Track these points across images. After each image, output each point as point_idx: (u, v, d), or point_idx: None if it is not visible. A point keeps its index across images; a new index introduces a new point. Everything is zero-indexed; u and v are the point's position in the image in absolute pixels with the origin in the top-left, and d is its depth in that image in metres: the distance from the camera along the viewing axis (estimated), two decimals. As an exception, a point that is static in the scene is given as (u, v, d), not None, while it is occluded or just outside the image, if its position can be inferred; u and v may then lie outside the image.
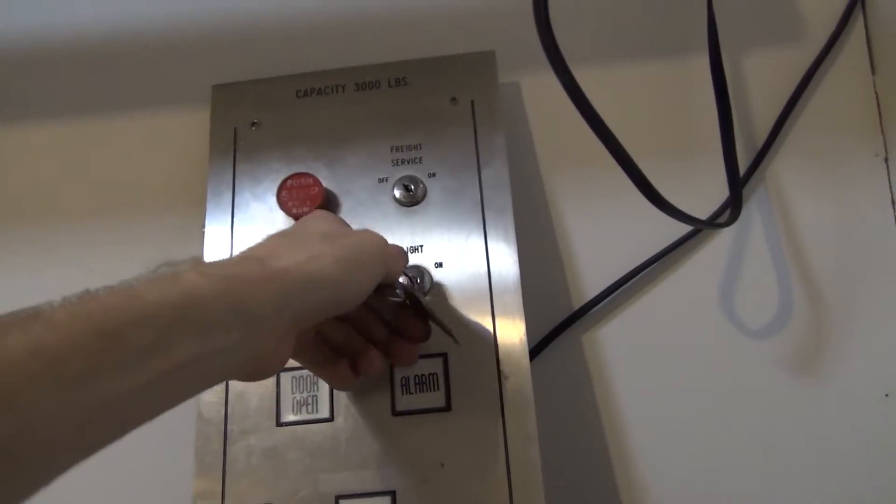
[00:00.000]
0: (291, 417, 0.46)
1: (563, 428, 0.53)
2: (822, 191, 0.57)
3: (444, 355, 0.46)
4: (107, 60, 0.64)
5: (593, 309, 0.55)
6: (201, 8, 0.64)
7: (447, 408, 0.45)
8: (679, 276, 0.56)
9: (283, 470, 0.45)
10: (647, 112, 0.59)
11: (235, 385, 0.47)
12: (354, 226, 0.43)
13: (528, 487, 0.43)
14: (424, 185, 0.51)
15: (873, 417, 0.53)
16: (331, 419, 0.46)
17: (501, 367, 0.46)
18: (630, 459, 0.53)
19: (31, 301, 0.59)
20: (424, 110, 0.53)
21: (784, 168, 0.58)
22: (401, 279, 0.44)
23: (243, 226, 0.52)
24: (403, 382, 0.46)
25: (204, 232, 0.52)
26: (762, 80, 0.59)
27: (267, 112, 0.55)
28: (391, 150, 0.52)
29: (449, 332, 0.44)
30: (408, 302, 0.43)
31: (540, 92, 0.60)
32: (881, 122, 0.58)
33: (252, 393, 0.47)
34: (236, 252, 0.51)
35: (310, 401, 0.47)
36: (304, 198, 0.50)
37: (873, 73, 0.59)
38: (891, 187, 0.56)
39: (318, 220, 0.41)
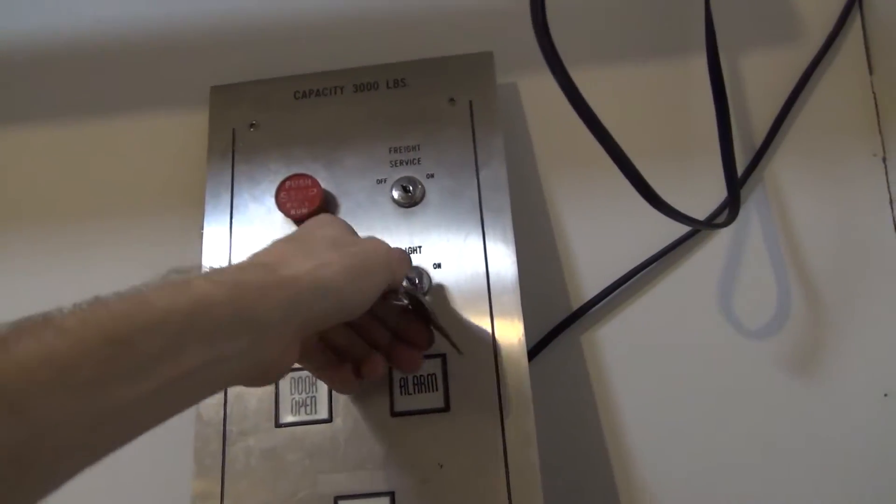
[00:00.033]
0: (290, 418, 0.46)
1: (562, 428, 0.53)
2: (820, 191, 0.57)
3: (443, 356, 0.46)
4: (105, 62, 0.64)
5: (592, 309, 0.55)
6: (199, 9, 0.64)
7: (446, 408, 0.45)
8: (677, 277, 0.56)
9: (283, 471, 0.45)
10: (645, 112, 0.60)
11: (234, 386, 0.47)
12: (353, 227, 0.43)
13: (526, 488, 0.43)
14: (423, 185, 0.51)
15: (872, 417, 0.53)
16: (329, 420, 0.46)
17: (500, 368, 0.46)
18: (629, 459, 0.53)
19: (30, 302, 0.59)
20: (423, 111, 0.53)
21: (782, 168, 0.58)
22: (403, 283, 0.44)
23: (242, 227, 0.52)
24: (402, 383, 0.46)
25: (203, 233, 0.52)
26: (760, 80, 0.60)
27: (265, 113, 0.55)
28: (389, 151, 0.52)
29: (451, 342, 0.44)
30: (410, 307, 0.44)
31: (538, 93, 0.60)
32: (879, 122, 0.58)
33: (251, 394, 0.47)
34: (235, 253, 0.51)
35: (308, 402, 0.47)
36: (302, 199, 0.50)
37: (871, 73, 0.59)
38: (888, 187, 0.57)
39: (326, 225, 0.41)
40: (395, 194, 0.51)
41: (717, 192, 0.56)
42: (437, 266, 0.49)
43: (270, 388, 0.47)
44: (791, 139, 0.58)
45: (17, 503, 0.23)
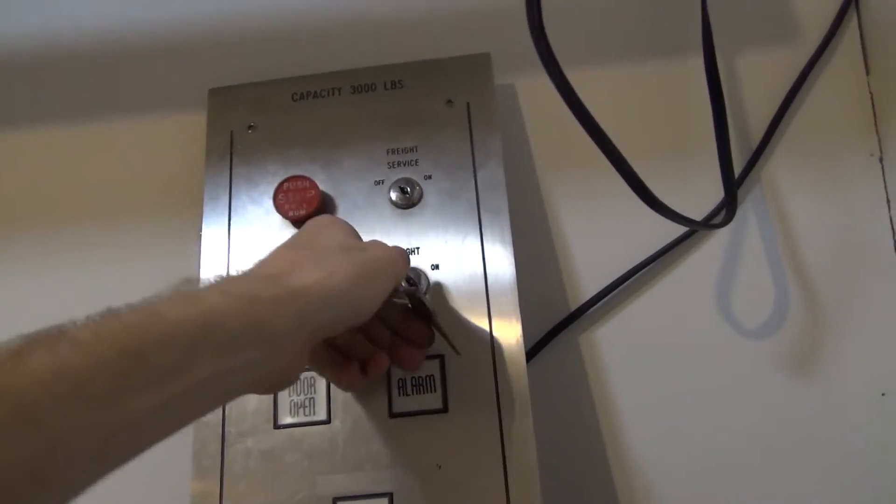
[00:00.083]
0: (289, 420, 0.46)
1: (561, 428, 0.53)
2: (818, 191, 0.57)
3: (441, 357, 0.46)
4: (103, 64, 0.64)
5: (590, 310, 0.55)
6: (197, 12, 0.64)
7: (444, 409, 0.46)
8: (675, 277, 0.56)
9: (281, 472, 0.45)
10: (642, 113, 0.60)
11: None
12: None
13: (525, 488, 0.43)
14: (420, 187, 0.51)
15: (870, 417, 0.53)
16: (328, 421, 0.46)
17: (498, 369, 0.46)
18: (627, 460, 0.53)
19: (29, 303, 0.59)
20: (420, 113, 0.53)
21: (779, 168, 0.58)
22: (403, 283, 0.44)
23: (240, 228, 0.52)
24: (400, 384, 0.46)
25: (201, 234, 0.52)
26: (757, 80, 0.60)
27: (263, 115, 0.55)
28: (387, 152, 0.52)
29: (449, 342, 0.45)
30: (410, 305, 0.44)
31: (535, 94, 0.60)
32: (876, 122, 0.58)
33: (250, 396, 0.47)
34: (234, 254, 0.51)
35: (307, 403, 0.47)
36: (300, 200, 0.50)
37: (868, 73, 0.59)
38: (886, 187, 0.57)
39: (333, 229, 0.41)
40: (393, 196, 0.51)
41: (714, 193, 0.56)
42: (435, 267, 0.49)
43: (269, 390, 0.47)
44: (788, 140, 0.58)
45: None
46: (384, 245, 0.42)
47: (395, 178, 0.52)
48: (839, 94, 0.59)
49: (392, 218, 0.51)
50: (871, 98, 0.58)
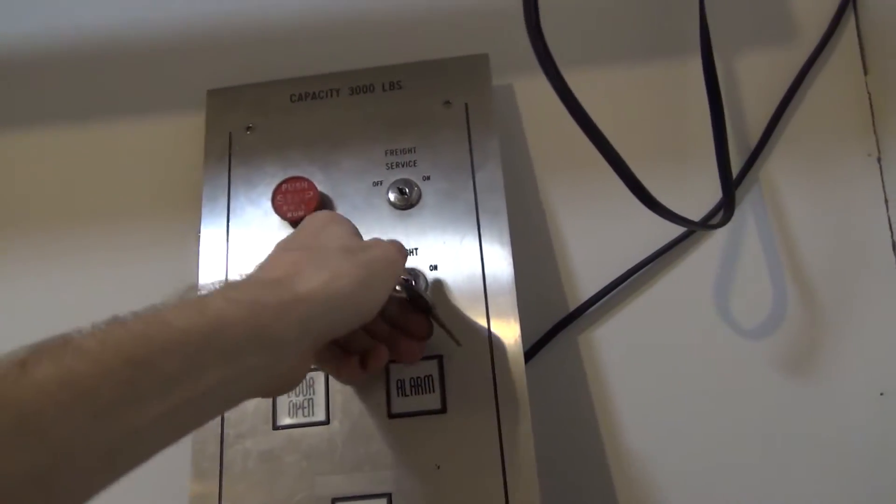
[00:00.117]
0: (288, 421, 0.47)
1: (559, 429, 0.53)
2: (816, 191, 0.57)
3: (440, 357, 0.47)
4: (101, 66, 0.64)
5: (588, 310, 0.56)
6: (195, 13, 0.64)
7: (443, 410, 0.46)
8: (673, 278, 0.56)
9: (280, 473, 0.45)
10: (640, 114, 0.60)
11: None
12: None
13: (524, 488, 0.43)
14: (419, 188, 0.51)
15: (868, 416, 0.53)
16: (327, 422, 0.46)
17: (496, 369, 0.46)
18: (626, 460, 0.53)
19: (28, 304, 0.59)
20: (418, 114, 0.53)
21: (777, 169, 0.58)
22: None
23: (238, 229, 0.52)
24: (399, 385, 0.46)
25: (200, 236, 0.52)
26: (755, 81, 0.60)
27: (261, 116, 0.55)
28: (385, 153, 0.53)
29: (450, 333, 0.45)
30: (408, 298, 0.44)
31: (533, 94, 0.60)
32: (873, 122, 0.58)
33: (248, 396, 0.47)
34: (232, 256, 0.51)
35: (306, 404, 0.47)
36: (298, 202, 0.50)
37: (865, 73, 0.59)
38: (884, 187, 0.57)
39: (333, 226, 0.41)
40: (392, 196, 0.51)
41: (712, 193, 0.56)
42: (434, 268, 0.49)
43: (268, 391, 0.47)
44: (786, 140, 0.58)
45: None
46: (384, 243, 0.42)
47: (393, 178, 0.52)
48: (837, 94, 0.59)
49: (390, 219, 0.51)
50: (869, 98, 0.58)
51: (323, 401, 0.47)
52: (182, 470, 0.46)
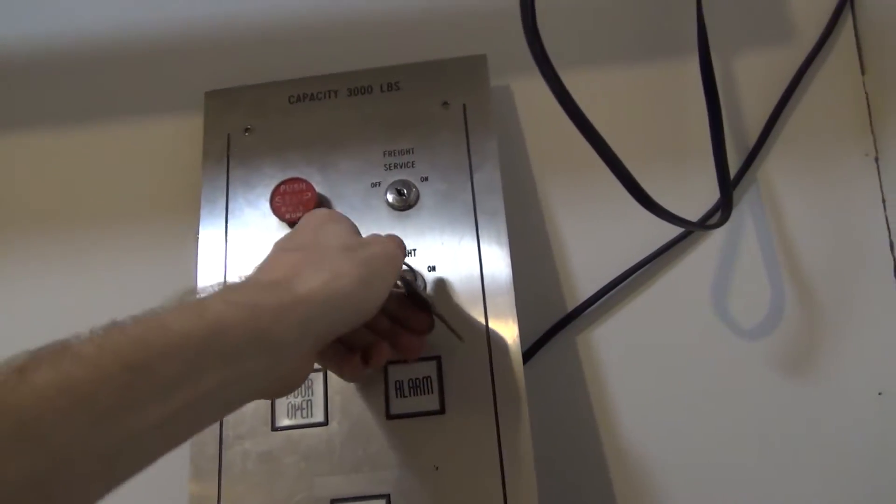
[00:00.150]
0: (286, 422, 0.47)
1: (558, 429, 0.54)
2: (813, 191, 0.57)
3: (438, 358, 0.47)
4: (99, 67, 0.64)
5: (587, 310, 0.56)
6: (193, 15, 0.64)
7: (441, 411, 0.46)
8: (672, 278, 0.56)
9: (279, 474, 0.45)
10: (637, 114, 0.60)
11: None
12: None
13: (522, 489, 0.43)
14: (417, 189, 0.51)
15: (867, 416, 0.53)
16: (325, 423, 0.46)
17: (495, 370, 0.46)
18: (624, 460, 0.53)
19: (27, 305, 0.59)
20: (416, 115, 0.53)
21: (775, 169, 0.58)
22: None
23: (237, 230, 0.52)
24: (398, 386, 0.46)
25: (198, 237, 0.52)
26: (752, 81, 0.60)
27: (260, 118, 0.55)
28: (384, 154, 0.53)
29: (450, 327, 0.45)
30: (406, 293, 0.44)
31: (531, 95, 0.60)
32: (871, 121, 0.58)
33: (247, 398, 0.47)
34: (231, 257, 0.51)
35: (304, 405, 0.47)
36: (297, 203, 0.50)
37: (863, 73, 0.59)
38: (881, 187, 0.57)
39: (331, 225, 0.41)
40: (390, 197, 0.51)
41: (710, 194, 0.56)
42: (432, 269, 0.49)
43: (266, 392, 0.47)
44: (784, 140, 0.59)
45: None
46: (383, 238, 0.42)
47: (391, 179, 0.52)
48: (835, 94, 0.59)
49: (389, 220, 0.51)
50: (867, 98, 0.59)
51: (322, 402, 0.47)
52: (181, 471, 0.46)
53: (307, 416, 0.47)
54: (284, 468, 0.45)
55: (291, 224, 0.51)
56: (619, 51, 0.61)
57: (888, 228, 0.56)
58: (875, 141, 0.58)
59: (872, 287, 0.55)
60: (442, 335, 0.46)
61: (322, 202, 0.51)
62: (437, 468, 0.44)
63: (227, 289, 0.33)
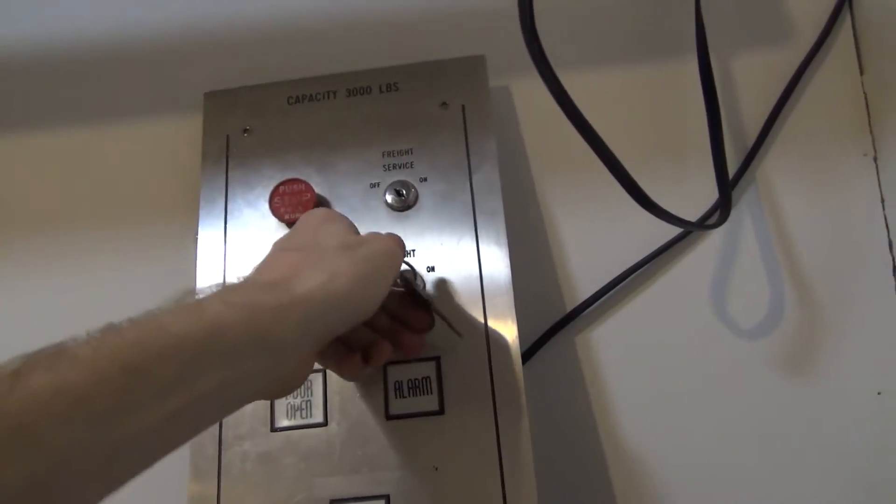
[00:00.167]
0: (286, 422, 0.47)
1: (557, 429, 0.54)
2: (812, 191, 0.57)
3: (437, 359, 0.47)
4: (99, 68, 0.64)
5: (586, 311, 0.56)
6: (193, 15, 0.64)
7: (440, 411, 0.46)
8: (671, 278, 0.56)
9: (278, 475, 0.45)
10: (636, 114, 0.60)
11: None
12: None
13: (521, 489, 0.43)
14: (416, 189, 0.51)
15: (866, 416, 0.53)
16: (325, 424, 0.46)
17: (494, 370, 0.46)
18: (624, 460, 0.53)
19: (26, 306, 0.59)
20: (415, 115, 0.53)
21: (774, 169, 0.58)
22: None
23: (236, 231, 0.52)
24: (397, 386, 0.46)
25: (197, 238, 0.52)
26: (751, 81, 0.60)
27: (259, 119, 0.55)
28: (383, 155, 0.53)
29: (449, 324, 0.45)
30: (406, 291, 0.44)
31: (530, 95, 0.60)
32: (870, 121, 0.58)
33: (246, 398, 0.47)
34: (230, 258, 0.51)
35: (304, 406, 0.47)
36: (296, 203, 0.50)
37: (861, 73, 0.59)
38: (880, 186, 0.57)
39: (330, 224, 0.41)
40: (389, 198, 0.51)
41: (708, 194, 0.56)
42: (431, 269, 0.49)
43: (266, 393, 0.47)
44: (782, 140, 0.59)
45: None
46: (382, 236, 0.42)
47: (390, 180, 0.52)
48: (833, 94, 0.59)
49: (388, 220, 0.51)
50: (865, 98, 0.59)
51: (321, 402, 0.47)
52: (181, 471, 0.46)
53: (306, 417, 0.47)
54: (284, 469, 0.45)
55: (290, 225, 0.51)
56: (618, 51, 0.62)
57: (887, 228, 0.56)
58: (874, 141, 0.58)
59: (872, 287, 0.55)
60: (441, 335, 0.46)
61: (321, 203, 0.51)
62: (436, 468, 0.44)
63: (225, 289, 0.33)
